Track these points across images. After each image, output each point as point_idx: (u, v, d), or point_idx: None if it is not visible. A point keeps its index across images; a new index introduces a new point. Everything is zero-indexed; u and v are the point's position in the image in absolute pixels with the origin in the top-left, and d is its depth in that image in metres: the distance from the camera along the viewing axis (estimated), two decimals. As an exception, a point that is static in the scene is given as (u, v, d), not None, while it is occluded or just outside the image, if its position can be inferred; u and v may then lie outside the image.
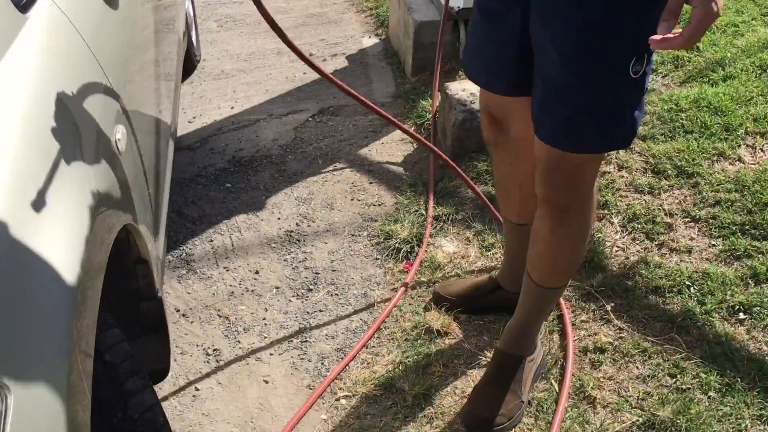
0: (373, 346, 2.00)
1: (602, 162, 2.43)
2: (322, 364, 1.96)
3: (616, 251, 2.22)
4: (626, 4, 1.25)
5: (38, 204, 1.04)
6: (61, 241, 1.02)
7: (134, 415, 1.11)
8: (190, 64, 3.55)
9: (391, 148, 2.87)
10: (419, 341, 1.99)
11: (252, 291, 2.21)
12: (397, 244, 2.32)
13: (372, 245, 2.36)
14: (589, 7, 1.26)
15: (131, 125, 1.49)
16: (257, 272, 2.28)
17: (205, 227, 2.49)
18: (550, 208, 1.53)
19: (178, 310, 2.16)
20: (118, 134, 1.36)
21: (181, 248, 2.39)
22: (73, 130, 1.21)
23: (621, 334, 1.97)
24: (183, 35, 3.05)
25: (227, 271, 2.29)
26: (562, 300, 2.02)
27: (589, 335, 1.98)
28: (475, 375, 1.90)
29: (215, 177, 2.74)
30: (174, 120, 2.35)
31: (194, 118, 3.19)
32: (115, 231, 1.24)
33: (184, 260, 2.34)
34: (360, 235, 2.41)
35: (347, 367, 1.94)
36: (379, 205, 2.55)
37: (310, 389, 1.90)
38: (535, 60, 1.41)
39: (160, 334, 1.64)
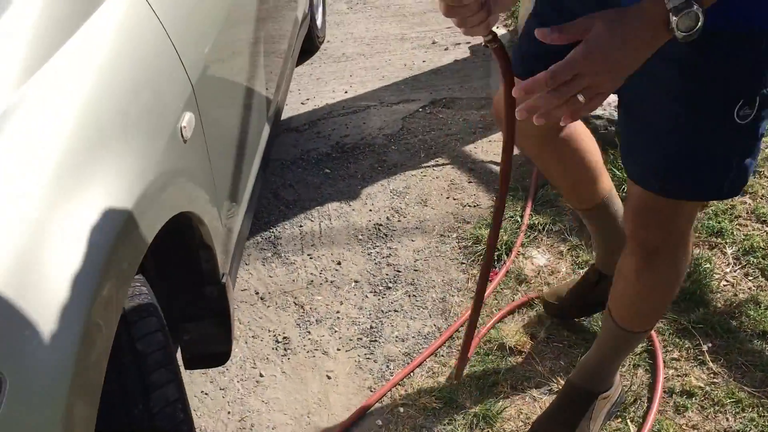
0: (442, 356, 1.93)
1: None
2: (388, 366, 1.91)
3: (724, 285, 2.00)
4: (734, 40, 1.07)
5: (78, 180, 1.04)
6: (90, 225, 1.02)
7: (155, 408, 1.10)
8: (312, 46, 3.57)
9: (498, 147, 2.74)
10: (490, 356, 1.89)
11: (331, 282, 2.19)
12: (484, 250, 2.22)
13: (459, 248, 2.27)
14: (692, 45, 1.08)
15: (204, 112, 1.48)
16: (339, 263, 2.25)
17: (297, 211, 2.49)
18: (637, 247, 1.37)
19: (257, 293, 2.17)
20: (184, 122, 1.35)
21: (271, 230, 2.40)
22: (133, 116, 1.21)
23: (714, 380, 1.78)
24: (304, 16, 3.07)
25: (310, 258, 2.29)
26: (654, 334, 1.85)
27: (678, 375, 1.80)
28: (544, 401, 1.78)
29: (316, 161, 2.74)
30: (276, 101, 2.36)
31: (307, 99, 3.21)
32: (164, 218, 1.24)
33: (271, 243, 2.35)
34: (449, 236, 2.33)
35: (411, 374, 1.88)
36: (475, 206, 2.45)
37: (371, 391, 1.85)
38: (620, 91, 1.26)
39: (223, 318, 1.65)
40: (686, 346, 1.86)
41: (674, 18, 0.89)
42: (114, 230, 1.06)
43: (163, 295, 1.60)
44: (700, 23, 0.90)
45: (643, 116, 1.21)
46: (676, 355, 1.85)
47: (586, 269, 1.97)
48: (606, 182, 1.72)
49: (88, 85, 1.15)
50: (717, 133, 1.16)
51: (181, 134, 1.35)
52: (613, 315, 1.52)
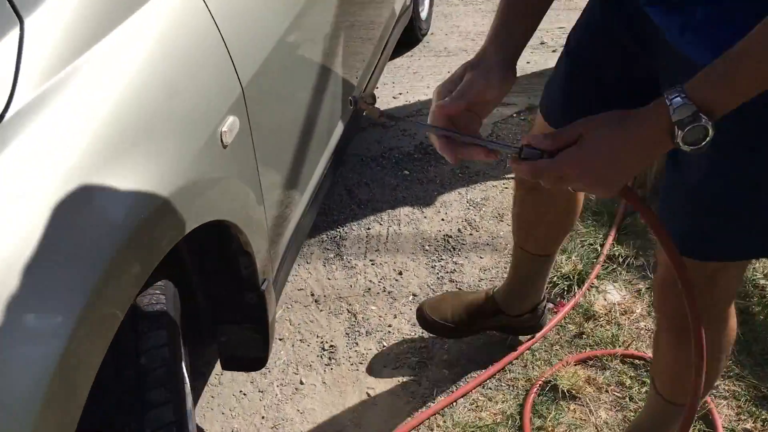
0: (490, 388, 1.81)
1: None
2: (431, 392, 1.82)
3: (820, 353, 1.78)
4: None
5: (91, 180, 1.00)
6: (95, 230, 0.98)
7: (147, 429, 1.06)
8: (413, 37, 3.47)
9: (590, 165, 2.56)
10: (541, 397, 1.76)
11: (388, 292, 2.11)
12: (555, 278, 2.07)
13: (529, 272, 2.13)
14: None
15: (255, 116, 1.42)
16: (401, 273, 2.17)
17: (368, 212, 2.42)
18: (667, 323, 1.23)
19: (312, 294, 2.13)
20: (225, 126, 1.30)
21: (338, 230, 2.35)
22: (167, 117, 1.17)
23: (790, 461, 1.58)
24: (404, 8, 2.97)
25: (372, 264, 2.21)
26: (713, 406, 1.66)
27: (748, 449, 1.61)
28: (592, 456, 1.64)
29: (396, 161, 2.65)
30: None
31: (400, 94, 3.12)
32: (191, 226, 1.19)
33: (336, 243, 2.30)
34: (520, 258, 2.19)
35: (454, 404, 1.78)
36: (553, 228, 2.29)
37: (410, 417, 1.76)
38: None
39: (261, 325, 1.60)
40: (762, 416, 1.66)
41: (680, 132, 0.82)
42: (122, 237, 1.02)
43: (202, 294, 1.59)
44: (709, 137, 0.82)
45: (683, 164, 1.06)
46: (749, 425, 1.65)
47: (482, 295, 1.86)
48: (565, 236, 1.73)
49: (123, 83, 1.12)
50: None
51: (221, 139, 1.30)
52: (656, 384, 1.37)
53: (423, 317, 1.87)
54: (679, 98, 0.81)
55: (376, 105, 0.95)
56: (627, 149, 0.85)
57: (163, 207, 1.11)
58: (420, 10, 3.43)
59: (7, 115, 0.97)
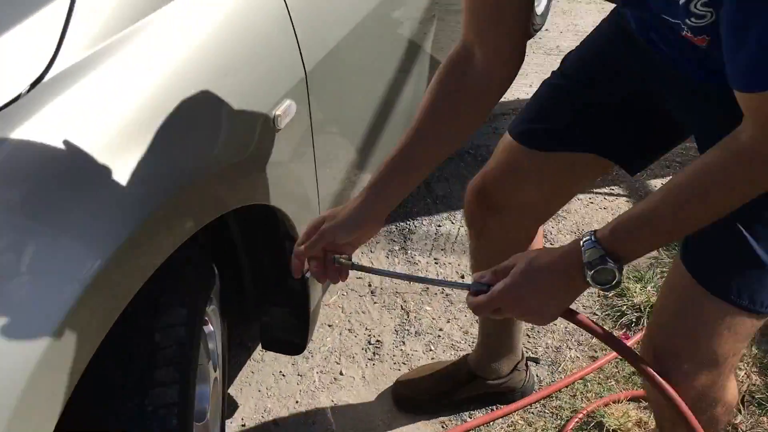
0: (531, 413, 1.72)
1: None
2: (469, 406, 1.74)
3: None
4: None
5: (119, 153, 0.99)
6: (112, 207, 0.95)
7: (149, 407, 1.05)
8: (524, 31, 3.34)
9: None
10: (583, 431, 1.66)
11: (446, 295, 2.04)
12: (624, 308, 1.94)
13: (598, 296, 2.01)
14: None
15: (318, 102, 1.38)
16: (462, 277, 2.10)
17: (441, 209, 2.35)
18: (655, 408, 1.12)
19: (370, 285, 2.09)
20: (280, 110, 1.26)
21: (408, 222, 2.29)
22: (217, 94, 1.14)
23: None
24: None
25: (435, 263, 2.15)
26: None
27: None
28: (627, 505, 1.53)
29: (482, 159, 2.56)
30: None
31: (500, 89, 3.01)
32: (224, 209, 1.17)
33: (403, 236, 2.24)
34: (591, 280, 2.07)
35: (491, 424, 1.70)
36: (634, 252, 2.15)
37: (443, 428, 1.70)
38: None
39: (302, 311, 1.58)
40: (829, 499, 1.50)
41: (589, 272, 0.89)
42: (143, 214, 0.99)
43: (249, 273, 1.58)
44: (616, 279, 0.89)
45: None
46: (812, 506, 1.50)
47: (453, 362, 1.75)
48: None
49: (176, 55, 1.10)
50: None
51: (274, 122, 1.26)
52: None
53: (397, 394, 1.76)
54: (590, 241, 0.89)
55: (351, 260, 1.08)
56: (547, 284, 0.91)
57: (201, 180, 1.09)
58: (536, 4, 3.30)
59: (49, 75, 0.97)
